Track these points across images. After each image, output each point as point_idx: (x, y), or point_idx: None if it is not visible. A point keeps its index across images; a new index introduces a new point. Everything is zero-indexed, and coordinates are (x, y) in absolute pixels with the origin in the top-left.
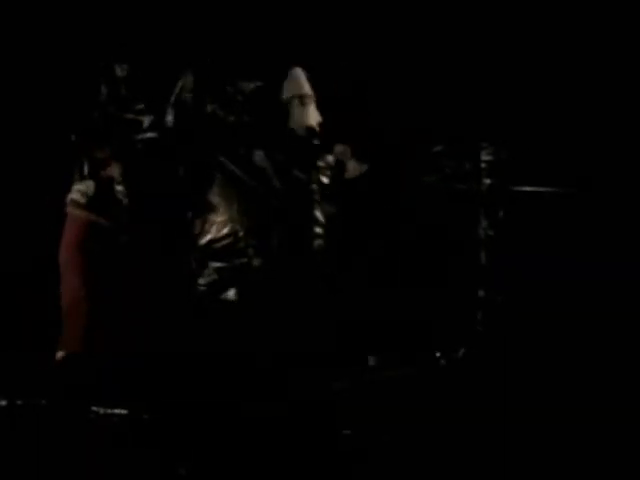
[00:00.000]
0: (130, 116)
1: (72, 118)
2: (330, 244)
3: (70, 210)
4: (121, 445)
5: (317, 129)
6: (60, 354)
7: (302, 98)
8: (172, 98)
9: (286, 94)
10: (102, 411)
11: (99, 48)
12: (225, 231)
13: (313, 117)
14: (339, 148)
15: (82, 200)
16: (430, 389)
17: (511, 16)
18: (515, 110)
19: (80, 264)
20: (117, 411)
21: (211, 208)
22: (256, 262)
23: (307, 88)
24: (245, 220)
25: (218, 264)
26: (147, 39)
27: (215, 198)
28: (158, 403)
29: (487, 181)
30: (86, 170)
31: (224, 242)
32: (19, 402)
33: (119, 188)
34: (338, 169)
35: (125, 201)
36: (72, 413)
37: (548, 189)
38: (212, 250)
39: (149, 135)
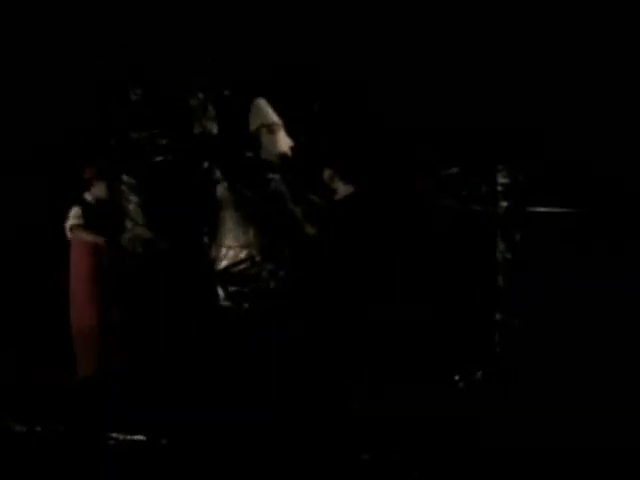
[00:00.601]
0: (145, 139)
1: (89, 141)
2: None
3: (74, 235)
4: (141, 471)
5: (289, 154)
6: (80, 378)
7: (270, 127)
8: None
9: (253, 125)
10: (121, 437)
11: (112, 70)
12: (242, 256)
13: (283, 143)
14: (327, 172)
15: (81, 222)
16: (447, 411)
17: (532, 40)
18: (530, 132)
19: (91, 291)
20: (136, 437)
21: (227, 233)
22: (272, 285)
23: (273, 116)
24: (261, 244)
25: (235, 288)
26: (161, 60)
27: (231, 223)
28: (177, 429)
29: (504, 203)
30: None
31: (241, 267)
32: (38, 429)
33: (132, 209)
34: (328, 192)
35: (142, 228)
36: (91, 439)
37: (564, 210)
38: (229, 275)
39: (163, 158)
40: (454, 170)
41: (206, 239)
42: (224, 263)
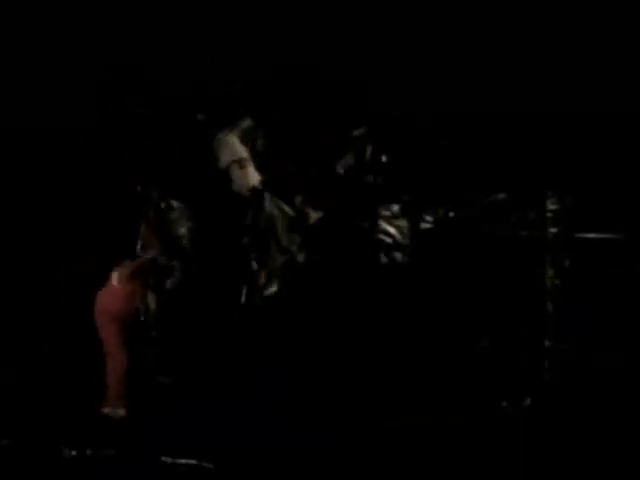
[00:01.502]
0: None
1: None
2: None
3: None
4: None
5: (260, 188)
6: (106, 410)
7: (240, 162)
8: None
9: (224, 161)
10: (170, 460)
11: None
12: None
13: (254, 178)
14: (297, 198)
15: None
16: (495, 437)
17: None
18: (580, 158)
19: (121, 338)
20: (184, 461)
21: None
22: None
23: (242, 152)
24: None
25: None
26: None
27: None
28: (224, 452)
29: (553, 230)
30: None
31: None
32: (89, 452)
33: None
34: (301, 217)
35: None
36: (140, 463)
37: (614, 236)
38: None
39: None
40: (502, 196)
41: (255, 265)
42: (273, 289)
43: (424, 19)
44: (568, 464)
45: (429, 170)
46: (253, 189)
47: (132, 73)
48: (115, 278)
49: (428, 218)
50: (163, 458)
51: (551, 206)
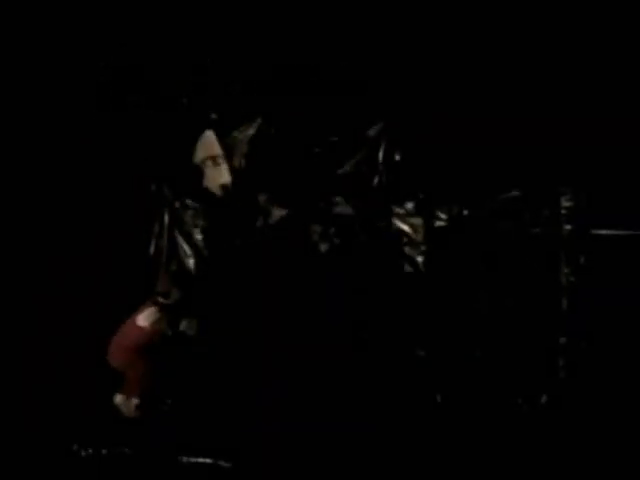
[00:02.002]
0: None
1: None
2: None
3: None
4: None
5: (229, 187)
6: (118, 398)
7: (215, 159)
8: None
9: (199, 157)
10: (186, 460)
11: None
12: None
13: (227, 176)
14: (262, 196)
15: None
16: (511, 435)
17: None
18: (593, 154)
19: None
20: (201, 460)
21: None
22: None
23: (218, 149)
24: None
25: None
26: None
27: None
28: (239, 451)
29: (567, 226)
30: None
31: None
32: (104, 451)
33: (198, 237)
34: (264, 215)
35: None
36: (157, 462)
37: (629, 232)
38: None
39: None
40: (515, 193)
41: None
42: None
43: (424, 19)
44: (585, 462)
45: (442, 168)
46: (223, 187)
47: (132, 73)
48: (143, 320)
49: (442, 216)
50: (179, 457)
51: (565, 203)
